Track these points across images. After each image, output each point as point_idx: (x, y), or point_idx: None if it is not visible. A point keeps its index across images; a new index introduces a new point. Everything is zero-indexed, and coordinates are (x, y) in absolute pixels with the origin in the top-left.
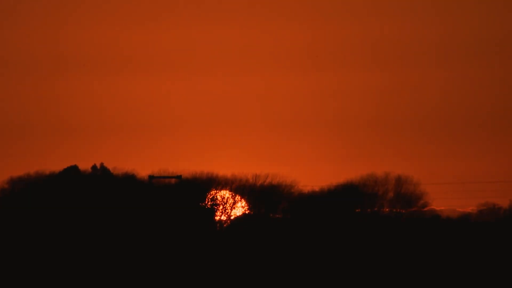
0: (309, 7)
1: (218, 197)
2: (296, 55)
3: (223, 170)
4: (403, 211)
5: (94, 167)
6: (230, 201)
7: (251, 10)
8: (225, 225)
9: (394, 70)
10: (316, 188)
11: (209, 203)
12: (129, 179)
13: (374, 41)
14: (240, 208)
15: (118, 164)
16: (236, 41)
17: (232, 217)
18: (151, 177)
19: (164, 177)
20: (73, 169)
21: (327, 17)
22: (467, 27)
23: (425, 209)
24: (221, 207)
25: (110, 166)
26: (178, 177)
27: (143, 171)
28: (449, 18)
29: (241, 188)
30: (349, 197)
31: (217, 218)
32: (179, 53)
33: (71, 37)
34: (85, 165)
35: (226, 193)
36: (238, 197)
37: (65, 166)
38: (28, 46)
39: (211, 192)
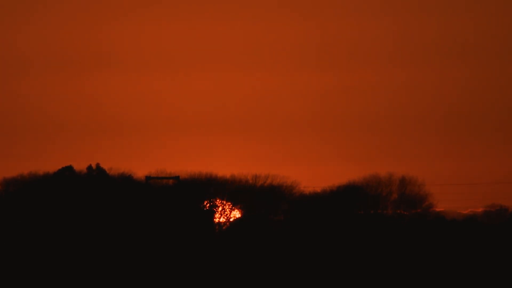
0: (311, 6)
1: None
2: (298, 54)
3: (222, 170)
4: (406, 213)
5: (89, 167)
6: (230, 203)
7: (251, 10)
8: (224, 227)
9: (399, 71)
10: (318, 189)
11: (208, 204)
12: (126, 179)
13: (376, 40)
14: (239, 210)
15: (114, 164)
16: (235, 41)
17: (231, 219)
18: (148, 177)
19: (162, 178)
20: (68, 169)
21: (330, 16)
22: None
23: (426, 210)
24: (220, 208)
25: (106, 166)
26: (176, 177)
27: (140, 172)
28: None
29: (240, 189)
30: (351, 198)
31: (216, 220)
32: (179, 53)
33: (65, 37)
34: (80, 166)
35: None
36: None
37: (60, 167)
38: (21, 48)
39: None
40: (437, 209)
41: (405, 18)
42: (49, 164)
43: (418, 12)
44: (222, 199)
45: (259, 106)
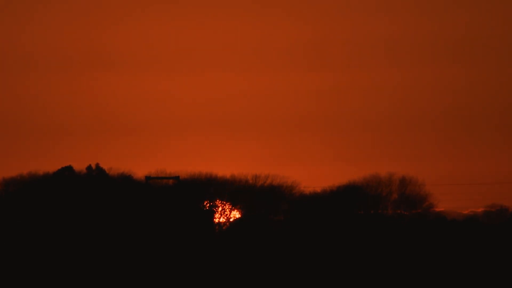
0: (310, 7)
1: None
2: (297, 54)
3: (222, 170)
4: (406, 213)
5: (89, 167)
6: (229, 203)
7: (250, 10)
8: (224, 228)
9: (400, 71)
10: (318, 189)
11: (208, 204)
12: (125, 180)
13: (375, 39)
14: (239, 211)
15: (114, 164)
16: (235, 42)
17: (231, 219)
18: (148, 178)
19: (161, 178)
20: (68, 169)
21: (329, 16)
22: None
23: (426, 210)
24: (220, 208)
25: (105, 166)
26: (176, 178)
27: (139, 172)
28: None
29: (240, 189)
30: (351, 198)
31: (216, 220)
32: (178, 53)
33: (66, 37)
34: (80, 166)
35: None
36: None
37: (60, 167)
38: (21, 48)
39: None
40: (437, 209)
41: (404, 18)
42: (49, 164)
43: (416, 12)
44: (222, 199)
45: (260, 106)
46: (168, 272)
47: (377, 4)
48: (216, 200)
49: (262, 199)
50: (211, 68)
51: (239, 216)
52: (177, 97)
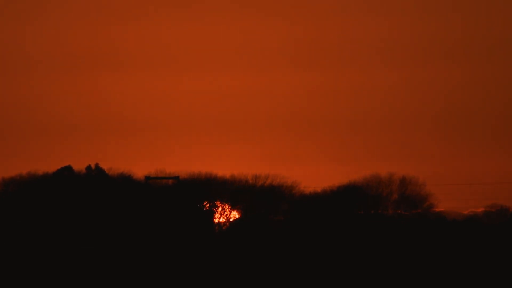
0: (310, 7)
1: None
2: (297, 54)
3: (222, 170)
4: (407, 213)
5: (88, 167)
6: (229, 204)
7: (250, 10)
8: (224, 228)
9: (400, 70)
10: (318, 189)
11: (208, 205)
12: (125, 180)
13: (377, 40)
14: (238, 211)
15: (114, 164)
16: (235, 40)
17: (231, 219)
18: (147, 177)
19: (161, 178)
20: (67, 169)
21: (329, 16)
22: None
23: (426, 211)
24: (220, 209)
25: (105, 166)
26: (176, 178)
27: (139, 172)
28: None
29: (240, 189)
30: (352, 198)
31: (216, 220)
32: (179, 54)
33: (65, 38)
34: (79, 166)
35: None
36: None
37: (59, 167)
38: (21, 48)
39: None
40: (438, 209)
41: (402, 18)
42: (48, 164)
43: (413, 12)
44: (222, 199)
45: (260, 106)
46: (168, 272)
47: (373, 4)
48: (216, 200)
49: (262, 199)
50: (211, 69)
51: (239, 216)
52: (177, 97)
